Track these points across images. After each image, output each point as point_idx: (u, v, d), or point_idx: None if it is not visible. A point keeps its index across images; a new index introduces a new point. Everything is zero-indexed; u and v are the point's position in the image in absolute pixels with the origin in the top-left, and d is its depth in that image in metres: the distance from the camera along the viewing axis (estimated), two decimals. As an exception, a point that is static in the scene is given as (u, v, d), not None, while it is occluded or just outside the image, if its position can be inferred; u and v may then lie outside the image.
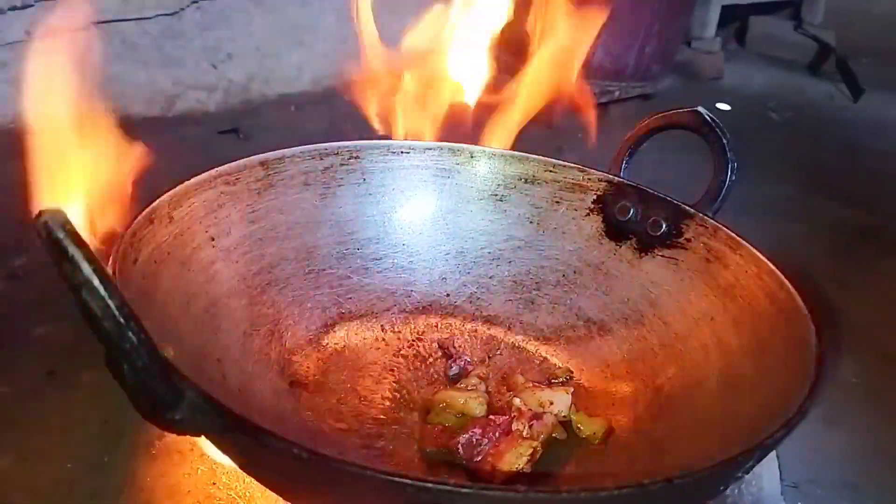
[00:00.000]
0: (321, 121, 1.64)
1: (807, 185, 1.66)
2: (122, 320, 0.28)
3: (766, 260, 0.54)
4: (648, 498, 0.32)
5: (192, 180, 0.56)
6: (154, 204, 0.51)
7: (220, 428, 0.33)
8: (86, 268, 0.28)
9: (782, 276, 0.52)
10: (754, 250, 0.55)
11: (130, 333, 0.29)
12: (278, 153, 0.63)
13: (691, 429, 0.50)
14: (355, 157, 0.68)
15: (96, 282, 0.28)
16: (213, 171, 0.58)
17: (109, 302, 0.28)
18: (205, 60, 1.53)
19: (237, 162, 0.60)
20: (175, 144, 1.48)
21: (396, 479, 0.31)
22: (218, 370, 0.50)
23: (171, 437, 0.59)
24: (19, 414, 0.73)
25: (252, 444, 0.32)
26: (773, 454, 0.69)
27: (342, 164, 0.67)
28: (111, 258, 0.44)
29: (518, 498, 0.30)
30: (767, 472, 0.66)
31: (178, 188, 0.54)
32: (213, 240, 0.57)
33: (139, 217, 0.49)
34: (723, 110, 2.13)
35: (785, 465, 0.82)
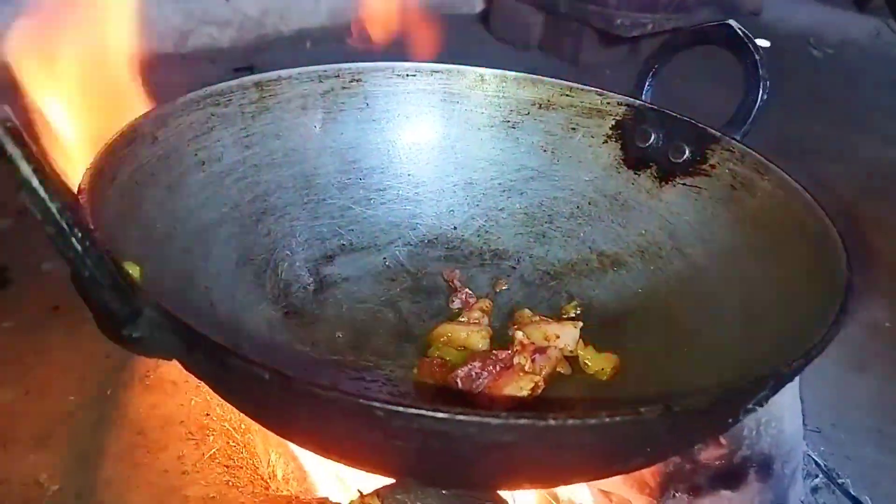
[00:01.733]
0: (339, 57, 1.59)
1: (845, 124, 1.57)
2: (63, 225, 0.26)
3: (797, 185, 0.49)
4: (646, 427, 0.29)
5: (179, 100, 0.53)
6: (135, 121, 0.48)
7: (180, 347, 0.30)
8: (24, 167, 0.25)
9: (814, 203, 0.47)
10: (785, 175, 0.51)
11: (74, 240, 0.26)
12: (274, 74, 0.60)
13: (707, 362, 0.47)
14: (357, 80, 0.64)
15: (35, 182, 0.25)
16: (201, 91, 0.55)
17: (49, 204, 0.25)
18: (218, -6, 1.49)
19: (229, 82, 0.57)
20: (187, 83, 1.45)
21: (364, 401, 0.28)
22: (205, 297, 0.48)
23: (165, 368, 0.57)
24: (24, 348, 0.73)
25: (214, 365, 0.30)
26: (796, 396, 0.66)
27: (343, 88, 0.63)
28: (85, 173, 0.41)
29: (497, 424, 0.27)
30: (789, 414, 0.63)
31: (162, 107, 0.51)
32: (203, 164, 0.54)
33: (118, 134, 0.46)
34: (762, 47, 2.02)
35: (810, 410, 0.78)
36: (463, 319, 0.56)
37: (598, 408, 0.30)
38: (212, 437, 0.50)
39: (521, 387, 0.48)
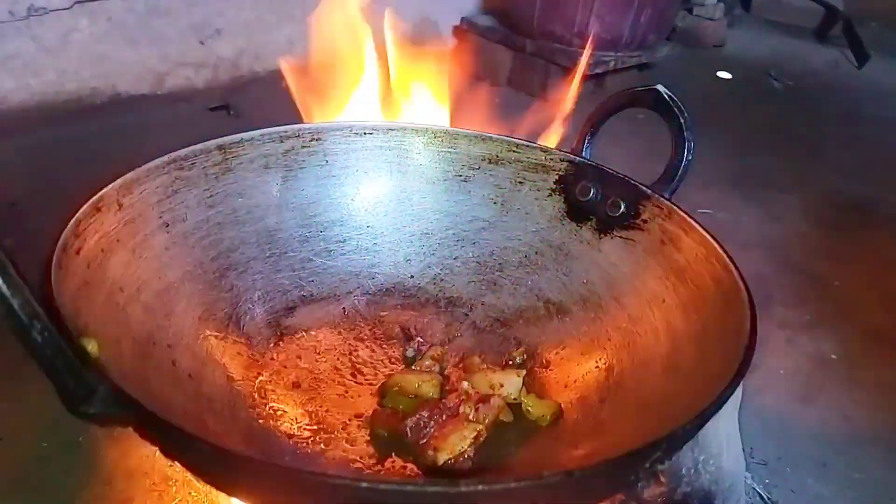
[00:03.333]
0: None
1: (803, 156, 1.64)
2: (24, 319, 0.29)
3: (714, 243, 0.53)
4: (550, 490, 0.32)
5: (144, 166, 0.56)
6: (101, 192, 0.51)
7: (133, 421, 0.34)
8: (-13, 268, 0.29)
9: (728, 260, 0.51)
10: (705, 233, 0.55)
11: (34, 332, 0.29)
12: (237, 137, 0.63)
13: (634, 411, 0.51)
14: (317, 139, 0.68)
15: (-2, 282, 0.29)
16: (166, 157, 0.58)
17: (12, 301, 0.29)
18: (193, 37, 1.53)
19: (193, 147, 0.60)
20: (165, 122, 1.48)
21: (293, 470, 0.31)
22: (167, 356, 0.51)
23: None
24: (-1, 395, 0.75)
25: (162, 438, 0.33)
26: (735, 434, 0.70)
27: (304, 147, 0.67)
28: (53, 249, 0.45)
29: (413, 491, 0.31)
30: (728, 450, 0.67)
31: (128, 175, 0.55)
32: (167, 226, 0.57)
33: (84, 206, 0.49)
34: (724, 79, 2.09)
35: (756, 442, 0.82)
36: (415, 368, 0.60)
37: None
38: (174, 488, 0.53)
39: (464, 435, 0.51)
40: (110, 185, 0.53)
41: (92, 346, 0.37)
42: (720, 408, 0.38)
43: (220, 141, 0.62)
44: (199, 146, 0.61)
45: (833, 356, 0.98)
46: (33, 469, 0.66)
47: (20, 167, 1.27)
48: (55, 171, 1.18)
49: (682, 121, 0.60)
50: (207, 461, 0.32)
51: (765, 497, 0.76)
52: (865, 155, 1.68)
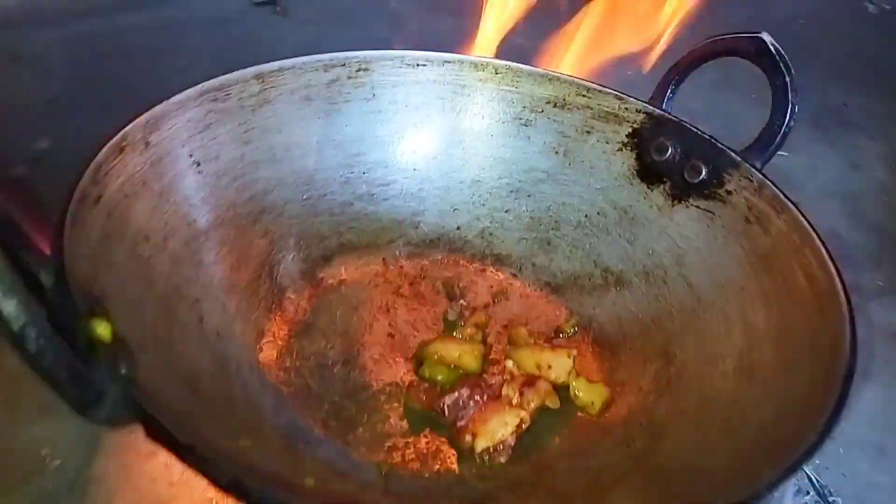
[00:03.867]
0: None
1: (891, 96, 1.48)
2: (16, 328, 0.25)
3: (812, 231, 0.46)
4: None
5: (174, 98, 0.51)
6: (126, 128, 0.46)
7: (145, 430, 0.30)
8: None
9: (826, 254, 0.45)
10: (801, 217, 0.48)
11: (28, 343, 0.25)
12: (276, 64, 0.57)
13: (697, 414, 0.46)
14: (364, 70, 0.61)
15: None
16: (199, 87, 0.53)
17: (2, 306, 0.25)
18: (239, -77, 1.41)
19: (228, 75, 0.54)
20: (207, 17, 1.40)
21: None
22: (195, 312, 0.48)
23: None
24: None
25: (172, 448, 0.29)
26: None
27: (349, 78, 0.60)
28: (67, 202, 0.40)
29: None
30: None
31: (156, 108, 0.49)
32: (198, 165, 0.52)
33: (106, 146, 0.45)
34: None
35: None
36: (456, 335, 0.55)
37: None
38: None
39: (506, 421, 0.47)
40: (136, 121, 0.47)
41: (103, 329, 0.33)
42: (811, 458, 0.33)
43: (257, 69, 0.56)
44: (234, 74, 0.55)
45: (903, 329, 0.91)
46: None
47: (57, 61, 1.22)
48: (94, 65, 1.13)
49: (787, 79, 0.51)
50: (219, 483, 0.29)
51: (814, 480, 0.72)
52: (964, 99, 1.51)
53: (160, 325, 0.44)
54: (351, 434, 0.47)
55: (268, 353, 0.51)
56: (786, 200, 0.49)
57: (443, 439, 0.48)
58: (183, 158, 0.51)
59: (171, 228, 0.49)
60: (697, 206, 0.55)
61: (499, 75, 0.63)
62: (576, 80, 0.61)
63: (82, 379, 0.27)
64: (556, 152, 0.62)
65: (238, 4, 1.44)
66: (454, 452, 0.47)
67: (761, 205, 0.51)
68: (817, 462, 0.74)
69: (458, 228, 0.64)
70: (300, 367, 0.51)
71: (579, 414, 0.51)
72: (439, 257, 0.63)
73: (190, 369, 0.44)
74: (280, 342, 0.53)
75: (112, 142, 0.45)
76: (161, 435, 0.29)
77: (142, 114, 0.48)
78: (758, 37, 0.52)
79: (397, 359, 0.54)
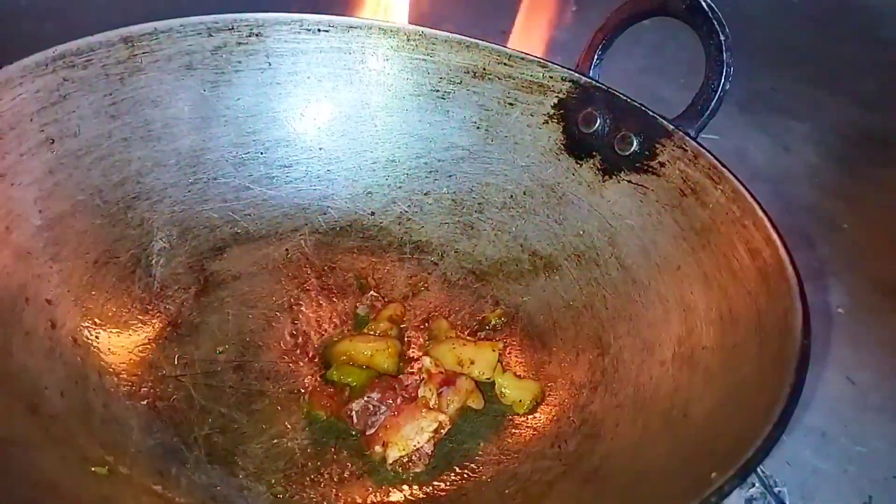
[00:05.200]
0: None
1: (816, 80, 1.49)
2: None
3: (753, 201, 0.42)
4: None
5: (18, 63, 0.43)
6: (-52, 96, 0.38)
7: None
8: None
9: (770, 226, 0.40)
10: (740, 186, 0.43)
11: None
12: (148, 26, 0.49)
13: (634, 408, 0.41)
14: (257, 35, 0.53)
15: None
16: (50, 51, 0.44)
17: None
18: None
19: (88, 38, 0.46)
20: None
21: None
22: (44, 315, 0.40)
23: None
24: None
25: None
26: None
27: (240, 44, 0.53)
28: None
29: None
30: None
31: (-8, 73, 0.41)
32: (51, 142, 0.44)
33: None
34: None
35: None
36: (368, 331, 0.49)
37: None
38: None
39: (421, 427, 0.41)
40: (-37, 88, 0.39)
41: None
42: (764, 457, 0.28)
43: (125, 31, 0.48)
44: (96, 38, 0.47)
45: (840, 310, 0.89)
46: None
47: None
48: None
49: (721, 38, 0.47)
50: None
51: (758, 471, 0.68)
52: (884, 83, 1.54)
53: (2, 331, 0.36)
54: (240, 453, 0.40)
55: (141, 361, 0.44)
56: (723, 169, 0.45)
57: (352, 453, 0.42)
58: (32, 134, 0.43)
59: (16, 217, 0.41)
60: (629, 181, 0.50)
61: (411, 42, 0.56)
62: (496, 46, 0.56)
63: None
64: (478, 127, 0.57)
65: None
66: (364, 466, 0.41)
67: (697, 175, 0.46)
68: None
69: (373, 214, 0.57)
70: (181, 375, 0.44)
71: (506, 414, 0.45)
72: (351, 246, 0.56)
73: (33, 384, 0.36)
74: (157, 348, 0.45)
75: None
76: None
77: (-28, 78, 0.40)
78: (687, -8, 0.48)
79: (300, 362, 0.47)
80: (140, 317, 0.46)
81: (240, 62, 0.53)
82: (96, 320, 0.43)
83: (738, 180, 0.43)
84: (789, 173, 1.16)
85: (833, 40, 1.70)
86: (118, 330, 0.44)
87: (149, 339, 0.45)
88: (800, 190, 1.12)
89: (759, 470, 0.68)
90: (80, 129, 0.46)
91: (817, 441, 0.73)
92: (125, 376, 0.42)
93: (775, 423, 0.28)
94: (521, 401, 0.45)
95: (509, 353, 0.49)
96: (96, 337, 0.42)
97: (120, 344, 0.44)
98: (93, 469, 0.34)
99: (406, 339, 0.50)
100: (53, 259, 0.43)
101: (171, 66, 0.50)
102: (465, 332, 0.50)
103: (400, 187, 0.58)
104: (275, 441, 0.41)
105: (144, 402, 0.41)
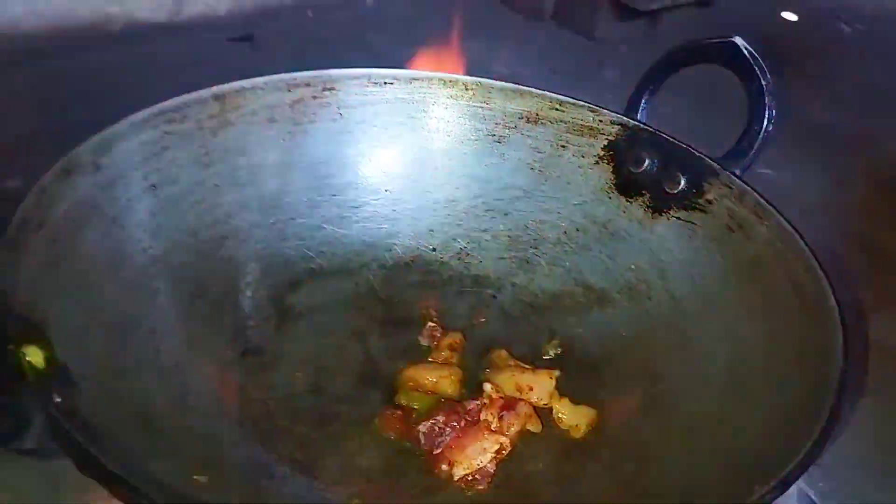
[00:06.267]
0: (343, 28, 1.52)
1: (873, 111, 1.49)
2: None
3: (797, 236, 0.45)
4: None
5: (125, 120, 0.49)
6: (72, 152, 0.44)
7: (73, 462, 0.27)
8: None
9: (812, 259, 0.42)
10: (784, 222, 0.46)
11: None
12: (237, 84, 0.55)
13: (685, 432, 0.43)
14: (330, 90, 0.59)
15: None
16: (153, 108, 0.51)
17: None
18: (214, -40, 1.42)
19: (184, 96, 0.53)
20: (181, 54, 1.39)
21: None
22: (150, 343, 0.45)
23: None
24: None
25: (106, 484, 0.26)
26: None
27: (314, 98, 0.59)
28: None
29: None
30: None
31: (106, 131, 0.47)
32: (154, 188, 0.50)
33: (51, 170, 0.42)
34: (788, 20, 1.91)
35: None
36: (433, 359, 0.53)
37: None
38: None
39: (484, 448, 0.44)
40: (84, 144, 0.45)
41: (36, 357, 0.30)
42: (804, 472, 0.30)
43: (216, 90, 0.54)
44: (192, 95, 0.53)
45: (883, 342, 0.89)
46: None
47: (30, 99, 1.20)
48: (64, 104, 1.11)
49: (762, 83, 0.50)
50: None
51: (816, 504, 0.69)
52: (944, 113, 1.52)
53: (109, 356, 0.41)
54: (319, 468, 0.44)
55: (230, 385, 0.48)
56: (768, 206, 0.47)
57: (420, 471, 0.45)
58: (137, 182, 0.49)
59: (125, 256, 0.47)
60: (678, 218, 0.53)
61: (469, 92, 0.61)
62: (548, 93, 0.60)
63: (3, 408, 0.25)
64: (532, 169, 0.61)
65: (213, 42, 1.43)
66: (432, 483, 0.44)
67: (743, 212, 0.49)
68: (820, 485, 0.71)
69: (434, 250, 0.62)
70: (265, 399, 0.48)
71: (563, 438, 0.48)
72: (414, 280, 0.60)
73: (143, 403, 0.41)
74: (244, 374, 0.50)
75: (57, 165, 0.43)
76: (90, 466, 0.26)
77: (91, 137, 0.46)
78: (730, 41, 0.51)
79: (370, 387, 0.51)
80: (228, 344, 0.51)
81: (314, 114, 0.59)
82: (192, 347, 0.48)
83: (783, 216, 0.46)
84: (843, 207, 1.16)
85: (891, 72, 1.69)
86: (210, 356, 0.49)
87: (235, 365, 0.50)
88: (854, 224, 1.11)
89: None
90: (178, 176, 0.52)
91: (879, 476, 0.72)
92: (216, 398, 0.47)
93: (815, 440, 0.30)
94: (577, 425, 0.48)
95: (565, 380, 0.52)
96: (192, 363, 0.47)
97: (211, 369, 0.48)
98: (195, 477, 0.38)
99: (466, 367, 0.53)
100: (154, 294, 0.48)
101: (255, 119, 0.56)
102: (523, 362, 0.53)
103: (459, 225, 0.62)
104: (350, 458, 0.45)
105: (233, 421, 0.46)
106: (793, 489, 0.63)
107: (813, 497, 0.69)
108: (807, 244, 0.43)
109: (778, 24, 1.91)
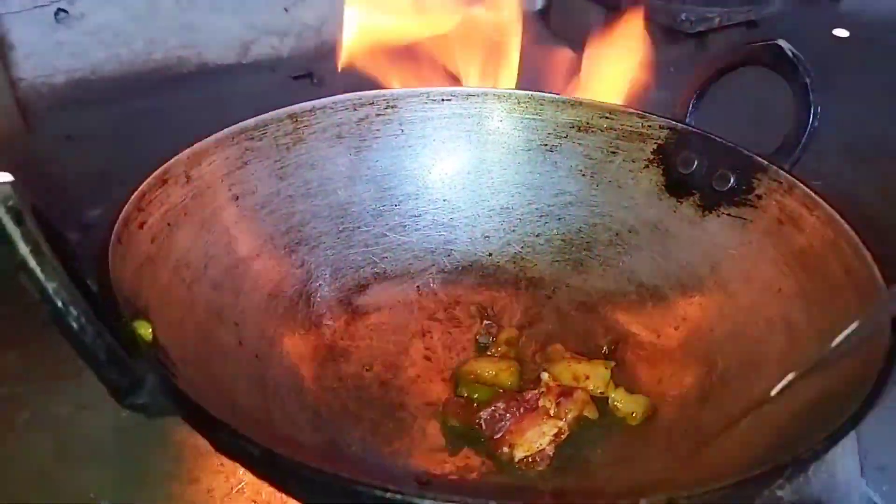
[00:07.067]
0: (397, 63, 1.59)
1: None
2: (59, 304, 0.27)
3: (845, 224, 0.46)
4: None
5: (212, 137, 0.54)
6: (168, 163, 0.49)
7: (181, 412, 0.31)
8: (22, 248, 0.26)
9: (861, 245, 0.44)
10: (833, 212, 0.47)
11: (70, 320, 0.27)
12: (308, 105, 0.60)
13: (740, 419, 0.44)
14: (392, 107, 0.63)
15: (32, 263, 0.26)
16: (235, 127, 0.56)
17: (46, 285, 0.26)
18: (278, 4, 1.52)
19: (263, 116, 0.58)
20: (250, 92, 1.49)
21: (339, 479, 0.28)
22: (234, 335, 0.49)
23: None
24: (81, 367, 0.76)
25: (210, 434, 0.30)
26: (852, 435, 0.62)
27: (378, 115, 0.63)
28: (115, 223, 0.43)
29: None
30: (843, 455, 0.59)
31: (196, 146, 0.52)
32: (236, 199, 0.55)
33: (150, 177, 0.47)
34: (840, 37, 1.89)
35: (874, 442, 0.73)
36: (492, 353, 0.55)
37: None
38: (241, 471, 0.51)
39: (543, 432, 0.47)
40: (177, 157, 0.50)
41: (144, 330, 0.35)
42: (851, 430, 0.31)
43: (290, 109, 0.59)
44: (269, 115, 0.58)
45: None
46: (110, 438, 0.66)
47: (111, 137, 1.30)
48: (140, 141, 1.20)
49: (807, 80, 0.52)
50: (257, 462, 0.30)
51: (885, 510, 0.67)
52: None
53: (200, 346, 0.45)
54: (389, 449, 0.47)
55: (306, 376, 0.52)
56: (817, 198, 0.49)
57: (482, 455, 0.47)
58: (222, 192, 0.54)
59: (211, 257, 0.51)
60: (729, 214, 0.55)
61: (521, 105, 0.65)
62: (597, 103, 0.63)
63: (121, 363, 0.29)
64: (584, 175, 0.63)
65: (278, 80, 1.52)
66: (493, 464, 0.47)
67: (793, 205, 0.50)
68: (885, 488, 0.69)
69: (490, 255, 0.65)
70: (337, 388, 0.52)
71: (620, 425, 0.49)
72: (472, 283, 0.63)
73: (229, 389, 0.45)
74: (317, 366, 0.53)
75: (155, 174, 0.48)
76: (199, 419, 0.29)
77: (183, 150, 0.52)
78: (774, 44, 0.53)
79: (434, 380, 0.54)
80: (302, 340, 0.55)
81: (378, 130, 0.63)
82: (270, 341, 0.52)
83: (831, 205, 0.47)
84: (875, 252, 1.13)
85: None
86: (287, 350, 0.53)
87: (310, 358, 0.54)
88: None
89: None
90: (257, 188, 0.56)
91: None
92: (294, 387, 0.50)
93: (850, 416, 0.32)
94: (633, 413, 0.49)
95: (620, 372, 0.53)
96: (271, 354, 0.51)
97: (288, 361, 0.52)
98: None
99: (523, 361, 0.55)
100: (237, 292, 0.52)
101: (325, 136, 0.61)
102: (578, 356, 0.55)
103: (514, 231, 0.65)
104: (416, 442, 0.48)
105: (311, 409, 0.49)
106: (857, 492, 0.62)
107: (878, 501, 0.68)
108: (855, 229, 0.45)
109: (831, 41, 1.89)
